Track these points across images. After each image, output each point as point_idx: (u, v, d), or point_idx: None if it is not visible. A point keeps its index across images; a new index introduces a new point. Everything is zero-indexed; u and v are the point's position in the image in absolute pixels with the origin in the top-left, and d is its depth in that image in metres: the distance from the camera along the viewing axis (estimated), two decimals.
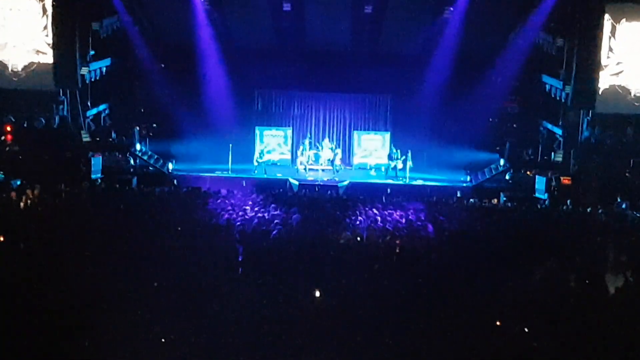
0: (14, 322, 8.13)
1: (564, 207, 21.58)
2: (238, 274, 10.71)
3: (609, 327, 8.84)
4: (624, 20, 25.77)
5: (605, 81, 26.04)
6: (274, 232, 13.87)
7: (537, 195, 24.47)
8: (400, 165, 27.52)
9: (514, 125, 30.37)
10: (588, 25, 25.85)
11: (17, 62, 26.39)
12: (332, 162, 28.25)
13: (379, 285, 10.02)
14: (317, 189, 25.06)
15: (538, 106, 29.62)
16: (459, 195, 25.30)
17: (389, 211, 17.99)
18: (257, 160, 28.11)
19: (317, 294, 8.42)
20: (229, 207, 17.60)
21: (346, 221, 16.08)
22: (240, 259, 11.55)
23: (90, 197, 19.80)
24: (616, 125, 26.46)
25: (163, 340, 8.15)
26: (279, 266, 10.73)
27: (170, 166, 27.60)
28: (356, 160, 30.33)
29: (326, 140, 29.48)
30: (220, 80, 29.23)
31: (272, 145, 29.95)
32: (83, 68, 26.79)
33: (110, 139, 28.07)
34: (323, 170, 27.84)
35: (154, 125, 30.10)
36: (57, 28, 26.13)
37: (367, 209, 18.22)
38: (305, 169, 28.15)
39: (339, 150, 28.94)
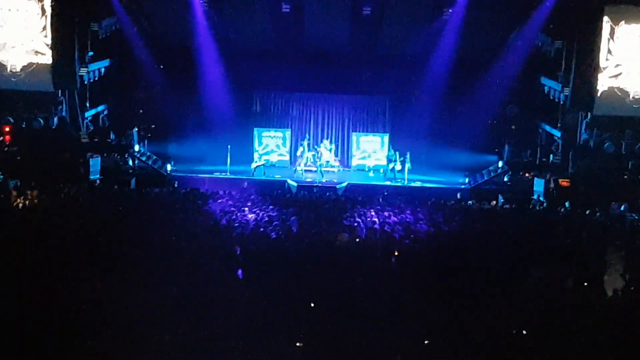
0: (10, 325, 8.10)
1: (562, 209, 21.59)
2: (237, 276, 10.70)
3: (607, 329, 8.84)
4: (622, 22, 25.71)
5: (603, 83, 25.99)
6: (273, 234, 13.87)
7: (535, 197, 24.48)
8: (398, 167, 27.53)
9: (513, 127, 30.37)
10: (587, 27, 25.88)
11: (15, 62, 26.31)
12: (319, 160, 28.21)
13: (377, 286, 10.01)
14: (315, 191, 25.04)
15: (537, 108, 29.63)
16: (459, 197, 25.31)
17: (387, 212, 17.98)
18: (255, 162, 28.10)
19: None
20: (228, 209, 17.59)
21: (344, 223, 16.06)
22: (239, 260, 11.54)
23: (89, 198, 19.77)
24: (614, 127, 26.42)
25: (162, 342, 8.14)
26: (278, 268, 10.72)
27: (169, 167, 27.62)
28: (355, 161, 30.40)
29: (325, 141, 29.50)
30: (219, 81, 29.24)
31: (271, 147, 29.99)
32: (82, 69, 26.81)
33: (109, 140, 28.00)
34: (322, 171, 27.81)
35: (153, 126, 30.08)
36: (56, 29, 26.08)
37: (365, 210, 18.22)
38: (302, 170, 28.14)
39: (332, 147, 29.08)
